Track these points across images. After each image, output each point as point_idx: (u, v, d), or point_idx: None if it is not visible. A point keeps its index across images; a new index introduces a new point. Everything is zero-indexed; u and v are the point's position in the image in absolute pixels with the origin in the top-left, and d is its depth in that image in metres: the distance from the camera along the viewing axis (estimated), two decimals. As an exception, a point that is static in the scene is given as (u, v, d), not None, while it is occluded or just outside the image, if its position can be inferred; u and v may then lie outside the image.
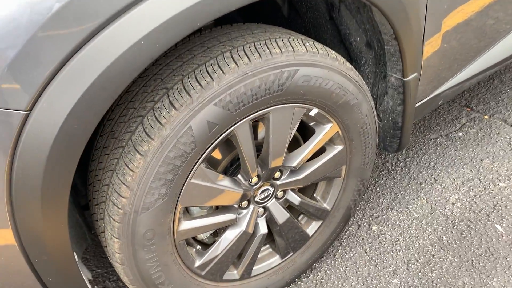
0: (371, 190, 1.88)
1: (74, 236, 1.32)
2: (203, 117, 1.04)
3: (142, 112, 1.06)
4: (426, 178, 1.90)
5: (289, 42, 1.14)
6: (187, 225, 1.20)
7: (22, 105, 0.83)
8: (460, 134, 2.10)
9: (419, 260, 1.60)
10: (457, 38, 1.54)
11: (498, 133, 2.07)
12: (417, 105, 1.56)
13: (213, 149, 1.13)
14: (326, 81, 1.19)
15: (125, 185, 1.05)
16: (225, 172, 1.30)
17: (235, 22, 1.28)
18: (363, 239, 1.70)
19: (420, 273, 1.56)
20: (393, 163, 1.99)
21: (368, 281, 1.55)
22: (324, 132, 1.31)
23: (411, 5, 1.23)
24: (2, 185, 0.88)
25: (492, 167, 1.91)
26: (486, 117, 2.18)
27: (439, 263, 1.58)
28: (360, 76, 1.31)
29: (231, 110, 1.07)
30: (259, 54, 1.08)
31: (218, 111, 1.05)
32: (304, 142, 1.35)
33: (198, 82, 1.03)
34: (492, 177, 1.87)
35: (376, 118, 1.43)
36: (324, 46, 1.23)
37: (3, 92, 0.82)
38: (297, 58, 1.13)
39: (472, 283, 1.51)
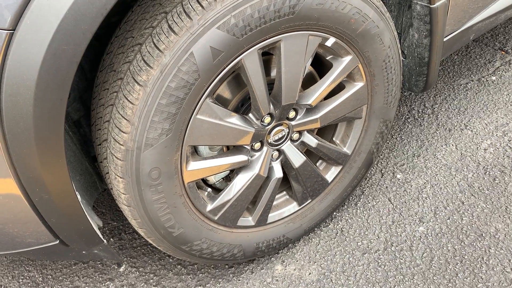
0: (396, 138, 1.77)
1: (83, 184, 1.27)
2: (205, 43, 0.95)
3: (140, 39, 0.98)
4: (455, 124, 1.77)
5: (301, -40, 1.03)
6: (195, 165, 1.13)
7: (4, 23, 0.77)
8: (494, 78, 1.95)
9: (448, 207, 1.50)
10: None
11: (536, 76, 1.91)
12: (445, 39, 1.42)
13: (220, 82, 1.04)
14: (343, 4, 1.08)
15: (126, 119, 0.98)
16: (236, 112, 1.21)
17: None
18: (386, 187, 1.60)
19: (448, 220, 1.46)
20: (420, 110, 1.87)
21: (392, 229, 1.46)
22: (343, 65, 1.21)
23: None
24: (-9, 115, 0.83)
25: (529, 111, 1.76)
26: (522, 59, 2.01)
27: (469, 210, 1.48)
28: (381, 1, 1.18)
29: (236, 35, 0.98)
30: (267, -29, 0.98)
31: (222, 35, 0.96)
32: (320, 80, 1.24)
33: (199, 2, 0.94)
34: (529, 120, 1.72)
35: (400, 52, 1.31)
36: (340, -34, 1.11)
37: (-18, 8, 0.75)
38: (310, -23, 1.02)
39: (506, 229, 1.40)
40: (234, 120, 1.13)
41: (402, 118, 1.85)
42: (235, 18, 0.96)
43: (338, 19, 1.09)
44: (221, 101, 1.18)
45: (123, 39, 1.03)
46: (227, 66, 1.02)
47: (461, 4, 1.37)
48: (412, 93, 1.89)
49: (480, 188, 1.53)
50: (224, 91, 1.18)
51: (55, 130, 0.88)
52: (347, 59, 1.20)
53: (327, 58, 1.22)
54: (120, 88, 0.99)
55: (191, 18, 0.93)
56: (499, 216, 1.44)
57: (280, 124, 1.23)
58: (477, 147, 1.67)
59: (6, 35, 0.77)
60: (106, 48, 1.09)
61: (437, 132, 1.76)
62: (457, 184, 1.56)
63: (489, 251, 1.36)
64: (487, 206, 1.47)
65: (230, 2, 0.94)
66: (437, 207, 1.50)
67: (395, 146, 1.74)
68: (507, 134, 1.69)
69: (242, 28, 0.98)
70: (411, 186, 1.59)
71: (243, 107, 1.24)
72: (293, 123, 1.25)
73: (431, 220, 1.47)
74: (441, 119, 1.81)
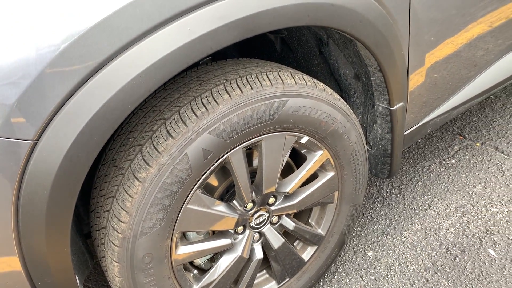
0: (366, 216, 1.93)
1: (76, 262, 1.36)
2: (198, 145, 1.11)
3: (141, 141, 1.13)
4: (420, 204, 1.95)
5: (279, 75, 1.22)
6: (184, 249, 1.25)
7: (30, 135, 0.91)
8: (453, 161, 2.16)
9: (414, 285, 1.62)
10: (443, 69, 1.62)
11: (490, 160, 2.13)
12: (406, 132, 1.63)
13: (209, 175, 1.19)
14: (315, 111, 1.27)
15: (125, 210, 1.10)
16: (221, 198, 1.35)
17: (232, 57, 1.38)
18: (358, 264, 1.73)
19: (415, 298, 1.58)
20: (388, 190, 2.04)
21: (364, 306, 1.57)
22: (315, 158, 1.38)
23: (393, 39, 1.32)
24: (9, 210, 0.95)
25: (484, 193, 1.95)
26: (478, 144, 2.24)
27: (433, 287, 1.60)
28: (347, 105, 1.38)
29: (224, 138, 1.14)
30: (251, 86, 1.16)
31: (212, 139, 1.12)
32: (297, 169, 1.41)
33: (194, 112, 1.11)
34: (484, 202, 1.91)
35: (366, 145, 1.49)
36: (312, 78, 1.31)
37: (13, 123, 0.89)
38: (287, 90, 1.21)
39: (466, 306, 1.53)
40: (220, 208, 1.26)
41: (372, 197, 2.02)
42: (223, 125, 1.13)
43: (311, 122, 1.28)
44: (209, 189, 1.32)
45: (125, 139, 1.18)
46: (215, 163, 1.18)
47: (417, 105, 1.59)
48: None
49: (443, 266, 1.67)
50: (212, 180, 1.33)
51: (64, 222, 1.00)
52: (319, 153, 1.38)
53: (302, 152, 1.39)
54: (121, 182, 1.13)
55: (187, 125, 1.10)
56: (460, 293, 1.57)
57: (261, 209, 1.37)
58: (440, 227, 1.83)
59: (30, 145, 0.92)
60: (108, 144, 1.23)
61: (404, 211, 1.92)
62: (422, 262, 1.70)
63: (452, 327, 1.47)
64: (449, 284, 1.61)
65: (220, 112, 1.12)
66: (404, 285, 1.63)
67: (366, 224, 1.89)
68: (465, 214, 1.86)
69: (230, 132, 1.14)
70: (380, 263, 1.72)
71: (228, 193, 1.38)
72: (272, 208, 1.40)
73: (399, 297, 1.59)
74: (407, 199, 1.98)
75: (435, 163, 2.16)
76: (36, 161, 0.92)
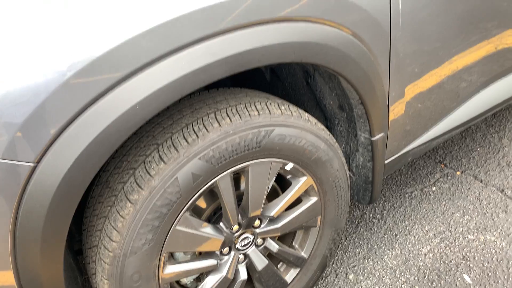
0: (349, 240, 1.99)
1: (66, 279, 1.41)
2: (188, 170, 1.18)
3: (135, 164, 1.20)
4: (401, 229, 2.02)
5: (266, 106, 1.31)
6: (171, 269, 1.31)
7: (31, 158, 0.97)
8: (434, 188, 2.25)
9: (392, 308, 1.69)
10: (427, 100, 1.71)
11: (469, 189, 2.22)
12: (386, 161, 1.71)
13: (197, 198, 1.26)
14: (299, 139, 1.35)
15: (116, 230, 1.16)
16: (209, 220, 1.42)
17: (224, 84, 1.46)
18: (340, 287, 1.78)
19: (392, 321, 1.64)
20: (371, 215, 2.11)
21: (344, 328, 1.63)
22: (300, 184, 1.45)
23: (374, 74, 1.41)
24: (7, 226, 1.00)
25: (462, 221, 2.04)
26: (458, 173, 2.34)
27: (411, 311, 1.67)
28: (331, 135, 1.47)
29: (213, 164, 1.21)
30: (240, 115, 1.24)
31: (202, 164, 1.19)
32: (282, 193, 1.48)
33: (185, 139, 1.18)
34: (462, 229, 1.99)
35: (348, 172, 1.57)
36: (298, 109, 1.40)
37: (15, 146, 0.96)
38: (273, 120, 1.29)
39: (441, 330, 1.59)
40: (207, 230, 1.33)
41: (355, 222, 2.09)
42: (213, 151, 1.20)
43: (295, 150, 1.36)
44: (198, 211, 1.39)
45: (119, 162, 1.25)
46: (204, 186, 1.25)
47: (399, 135, 1.68)
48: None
49: (420, 290, 1.74)
50: (201, 203, 1.40)
51: (59, 239, 1.06)
52: (303, 179, 1.45)
53: (287, 177, 1.47)
54: (113, 203, 1.19)
55: (178, 151, 1.17)
56: (436, 317, 1.63)
57: (247, 232, 1.44)
58: (418, 252, 1.90)
59: (31, 167, 0.98)
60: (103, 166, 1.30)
61: (385, 236, 2.00)
62: (401, 286, 1.76)
63: None
64: (426, 308, 1.67)
65: (210, 139, 1.19)
66: (383, 308, 1.69)
67: (348, 247, 1.96)
68: (443, 241, 1.94)
69: (218, 158, 1.22)
70: (361, 287, 1.78)
71: (215, 215, 1.44)
72: (257, 230, 1.46)
73: (378, 320, 1.65)
74: (389, 225, 2.05)
75: (416, 190, 2.25)
76: (36, 182, 0.99)
